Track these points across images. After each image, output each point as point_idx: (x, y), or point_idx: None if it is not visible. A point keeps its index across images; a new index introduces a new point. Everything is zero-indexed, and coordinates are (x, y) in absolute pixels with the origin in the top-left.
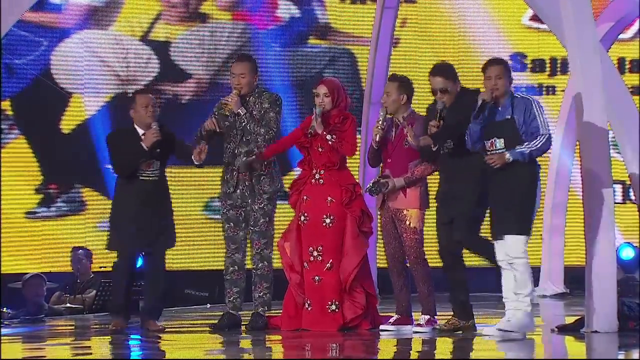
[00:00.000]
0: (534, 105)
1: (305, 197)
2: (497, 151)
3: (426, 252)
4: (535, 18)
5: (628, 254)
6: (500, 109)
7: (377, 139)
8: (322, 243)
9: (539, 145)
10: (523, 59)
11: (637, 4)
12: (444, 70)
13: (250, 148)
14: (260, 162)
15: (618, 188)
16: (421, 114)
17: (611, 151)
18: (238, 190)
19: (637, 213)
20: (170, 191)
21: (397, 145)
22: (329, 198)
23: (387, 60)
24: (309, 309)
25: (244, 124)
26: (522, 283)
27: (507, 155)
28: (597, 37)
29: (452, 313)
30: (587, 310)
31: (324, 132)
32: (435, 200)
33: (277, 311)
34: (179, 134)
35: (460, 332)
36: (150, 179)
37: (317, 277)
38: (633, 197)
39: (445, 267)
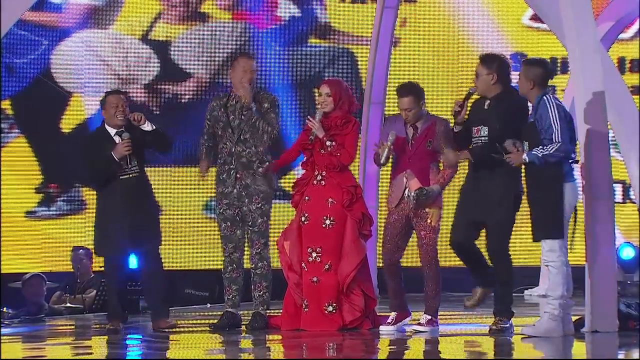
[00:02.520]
0: (551, 112)
1: (306, 198)
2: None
3: (440, 251)
4: (535, 18)
5: (628, 254)
6: (531, 111)
7: (384, 161)
8: (321, 244)
9: (551, 152)
10: (523, 58)
11: (637, 4)
12: (484, 56)
13: (248, 148)
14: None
15: (618, 188)
16: (435, 114)
17: (611, 151)
18: (235, 190)
19: (637, 213)
20: (152, 189)
21: (419, 147)
22: (330, 199)
23: (387, 60)
24: (306, 309)
25: (252, 120)
26: (554, 286)
27: (524, 155)
28: (597, 37)
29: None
30: (587, 310)
31: (325, 137)
32: (459, 193)
33: (277, 311)
34: (179, 133)
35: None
36: (131, 175)
37: (315, 278)
38: (633, 197)
39: (464, 261)
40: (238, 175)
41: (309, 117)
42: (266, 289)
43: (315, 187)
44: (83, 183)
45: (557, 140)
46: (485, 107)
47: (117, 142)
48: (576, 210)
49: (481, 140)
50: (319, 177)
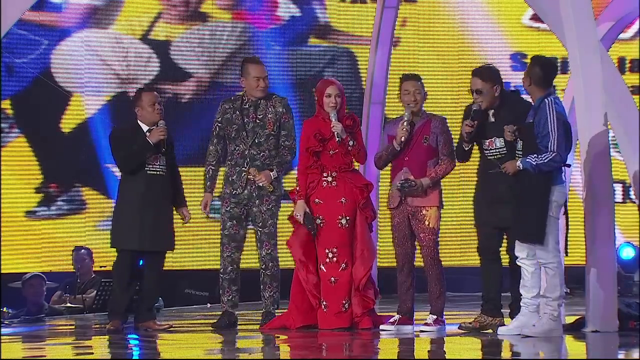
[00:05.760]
0: (550, 119)
1: (317, 201)
2: (517, 152)
3: (440, 252)
4: (535, 17)
5: (628, 253)
6: (531, 110)
7: (402, 140)
8: (337, 244)
9: (545, 161)
10: (523, 58)
11: (637, 4)
12: (482, 72)
13: (262, 152)
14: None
15: (618, 188)
16: (433, 112)
17: (611, 151)
18: (246, 191)
19: (637, 213)
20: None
21: (415, 143)
22: (343, 199)
23: (387, 60)
24: (325, 310)
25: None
26: (551, 287)
27: (519, 162)
28: (597, 37)
29: (480, 311)
30: (587, 310)
31: (347, 138)
32: (473, 199)
33: (284, 310)
34: (179, 133)
35: (491, 330)
36: (158, 173)
37: (333, 279)
38: (633, 197)
39: (482, 263)
40: (250, 177)
41: (332, 124)
42: (276, 288)
43: (325, 188)
44: (84, 183)
45: (552, 149)
46: (493, 119)
47: None
48: (567, 212)
49: (499, 151)
50: (329, 179)
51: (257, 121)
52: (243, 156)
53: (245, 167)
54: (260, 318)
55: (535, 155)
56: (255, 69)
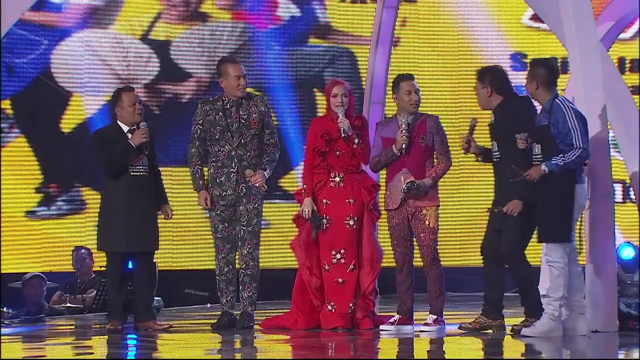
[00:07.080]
0: (568, 117)
1: (324, 201)
2: (535, 157)
3: (440, 252)
4: (535, 17)
5: (628, 254)
6: (542, 113)
7: (403, 147)
8: (345, 245)
9: (573, 158)
10: (523, 58)
11: (637, 4)
12: (478, 72)
13: (248, 152)
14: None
15: (618, 188)
16: (428, 112)
17: (611, 151)
18: (234, 193)
19: (637, 213)
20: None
21: (413, 144)
22: (350, 200)
23: (387, 60)
24: (333, 310)
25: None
26: (555, 287)
27: (543, 166)
28: (597, 37)
29: (480, 312)
30: (587, 310)
31: (353, 135)
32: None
33: (266, 311)
34: (179, 133)
35: (491, 331)
36: (141, 174)
37: (340, 279)
38: (633, 197)
39: (484, 265)
40: (239, 177)
41: (339, 122)
42: (255, 289)
43: (333, 189)
44: (84, 183)
45: (578, 145)
46: (492, 122)
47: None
48: None
49: (494, 155)
50: (337, 179)
51: (242, 121)
52: (229, 157)
53: (234, 168)
54: (262, 318)
55: (560, 155)
56: (234, 68)
